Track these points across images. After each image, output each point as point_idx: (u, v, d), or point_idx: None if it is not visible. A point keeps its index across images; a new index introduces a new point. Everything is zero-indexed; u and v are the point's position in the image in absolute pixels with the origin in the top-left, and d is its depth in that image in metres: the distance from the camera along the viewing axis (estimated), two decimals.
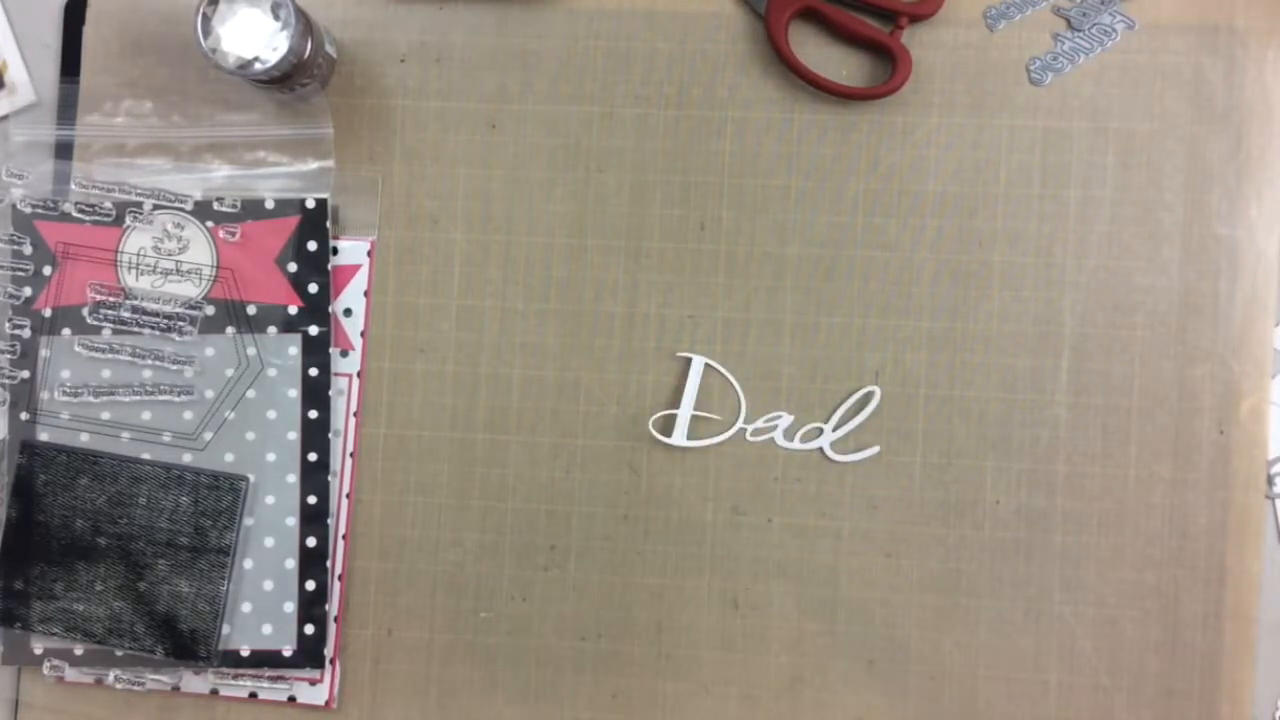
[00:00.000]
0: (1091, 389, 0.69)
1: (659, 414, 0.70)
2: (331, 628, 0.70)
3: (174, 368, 0.69)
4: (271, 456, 0.69)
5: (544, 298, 0.70)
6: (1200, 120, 0.69)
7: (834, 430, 0.69)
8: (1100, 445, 0.69)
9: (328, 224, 0.69)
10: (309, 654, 0.69)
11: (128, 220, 0.69)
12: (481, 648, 0.70)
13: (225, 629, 0.69)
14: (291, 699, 0.70)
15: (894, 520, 0.69)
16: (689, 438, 0.69)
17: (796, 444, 0.70)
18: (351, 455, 0.70)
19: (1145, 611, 0.69)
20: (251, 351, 0.69)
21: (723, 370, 0.70)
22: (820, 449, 0.70)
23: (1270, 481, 0.69)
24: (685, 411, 0.69)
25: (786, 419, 0.70)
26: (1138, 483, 0.69)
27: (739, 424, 0.70)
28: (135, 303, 0.69)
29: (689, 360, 0.69)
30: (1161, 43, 0.69)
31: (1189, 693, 0.68)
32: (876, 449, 0.69)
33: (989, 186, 0.69)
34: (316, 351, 0.70)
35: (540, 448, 0.70)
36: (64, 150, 0.70)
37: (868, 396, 0.69)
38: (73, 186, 0.70)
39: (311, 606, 0.69)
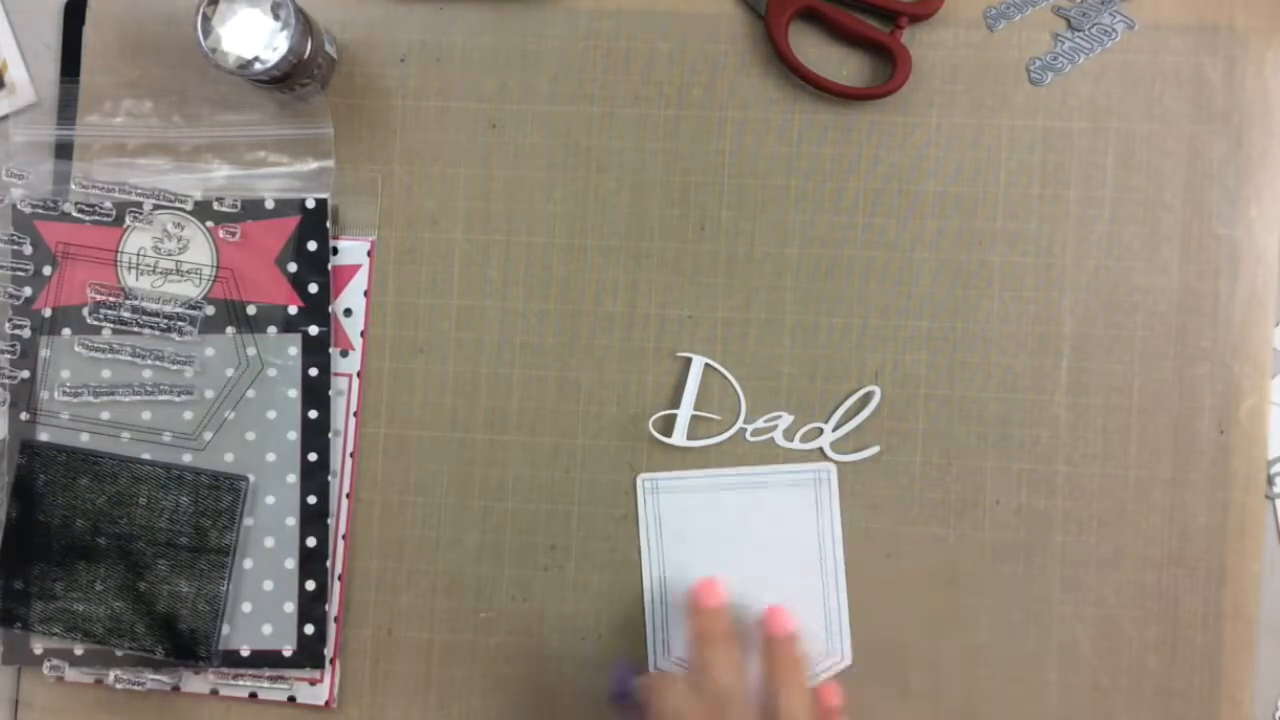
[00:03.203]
0: (1091, 389, 0.69)
1: (659, 414, 0.70)
2: (331, 628, 0.70)
3: (174, 368, 0.69)
4: (271, 456, 0.69)
5: (544, 298, 0.70)
6: (1200, 120, 0.69)
7: (834, 430, 0.69)
8: (1100, 445, 0.69)
9: (328, 224, 0.69)
10: (309, 654, 0.69)
11: (128, 220, 0.69)
12: (481, 648, 0.70)
13: (225, 629, 0.69)
14: (291, 699, 0.70)
15: (894, 520, 0.69)
16: (689, 438, 0.69)
17: (796, 444, 0.70)
18: (351, 455, 0.70)
19: (1145, 611, 0.69)
20: (251, 351, 0.69)
21: (723, 370, 0.70)
22: (820, 449, 0.70)
23: (1270, 481, 0.69)
24: (685, 411, 0.69)
25: (786, 419, 0.70)
26: (1138, 483, 0.69)
27: (739, 424, 0.70)
28: (135, 303, 0.69)
29: (689, 360, 0.69)
30: (1161, 43, 0.69)
31: (1189, 693, 0.68)
32: (876, 449, 0.69)
33: (989, 186, 0.69)
34: (316, 351, 0.70)
35: (540, 448, 0.70)
36: (64, 150, 0.70)
37: (868, 396, 0.69)
38: (73, 186, 0.70)
39: (311, 606, 0.69)
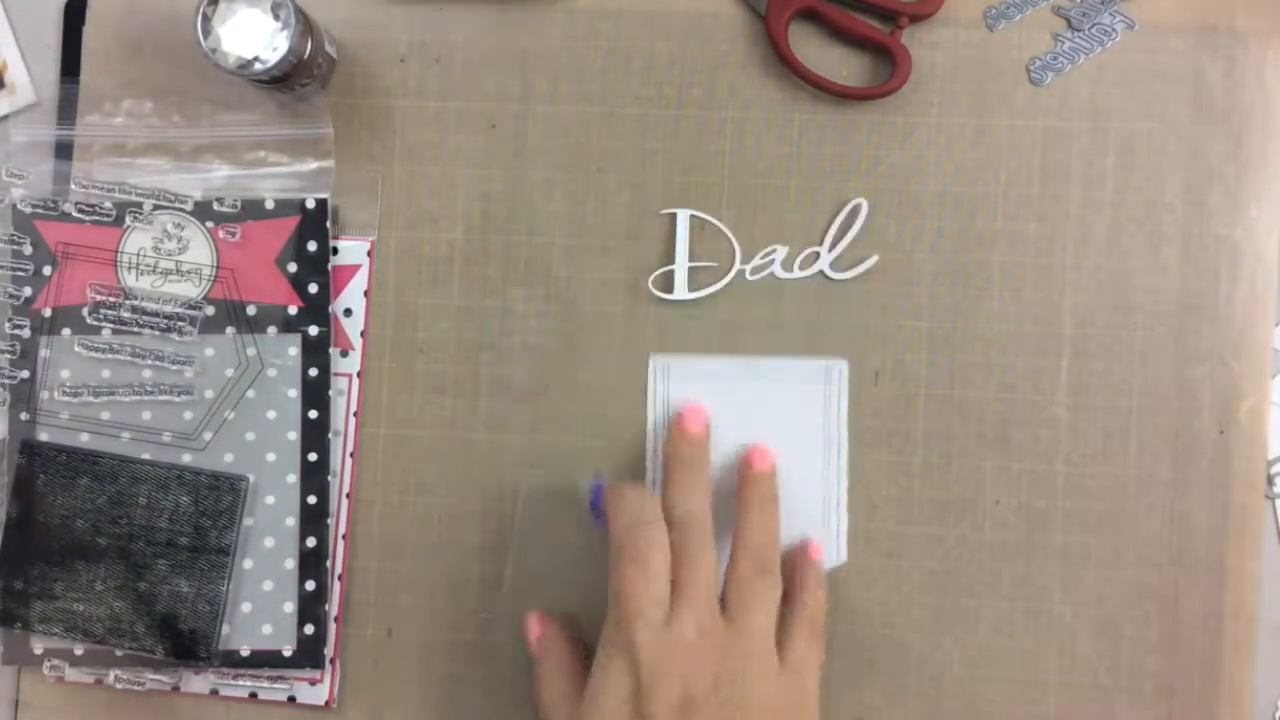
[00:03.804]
0: (1091, 389, 0.69)
1: (657, 272, 0.70)
2: (331, 628, 0.70)
3: (174, 368, 0.69)
4: (271, 457, 0.69)
5: (544, 298, 0.70)
6: (1200, 120, 0.69)
7: (830, 250, 0.69)
8: (1100, 445, 0.69)
9: (328, 224, 0.69)
10: (309, 654, 0.69)
11: (128, 220, 0.69)
12: (482, 648, 0.70)
13: (225, 629, 0.69)
14: (291, 699, 0.70)
15: (894, 520, 0.69)
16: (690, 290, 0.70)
17: (796, 273, 0.69)
18: (351, 455, 0.70)
19: (1145, 611, 0.69)
20: (251, 352, 0.69)
21: (708, 218, 0.70)
22: (821, 272, 0.69)
23: (1270, 481, 0.69)
24: (681, 264, 0.69)
25: (782, 250, 0.69)
26: (1138, 483, 0.69)
27: (736, 266, 0.70)
28: (135, 303, 0.69)
29: (674, 217, 0.70)
30: (1161, 43, 0.69)
31: (1189, 693, 0.68)
32: (875, 258, 0.69)
33: (989, 186, 0.69)
34: (316, 352, 0.70)
35: (540, 447, 0.70)
36: (64, 150, 0.70)
37: (856, 209, 0.69)
38: (73, 186, 0.70)
39: (311, 607, 0.69)
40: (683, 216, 0.69)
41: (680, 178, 0.70)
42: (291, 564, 0.69)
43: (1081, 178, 0.69)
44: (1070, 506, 0.69)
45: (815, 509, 0.69)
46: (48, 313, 0.69)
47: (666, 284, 0.69)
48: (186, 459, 0.69)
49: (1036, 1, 0.69)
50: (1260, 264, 0.69)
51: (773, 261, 0.70)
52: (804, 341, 0.69)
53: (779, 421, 0.69)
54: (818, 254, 0.69)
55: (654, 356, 0.70)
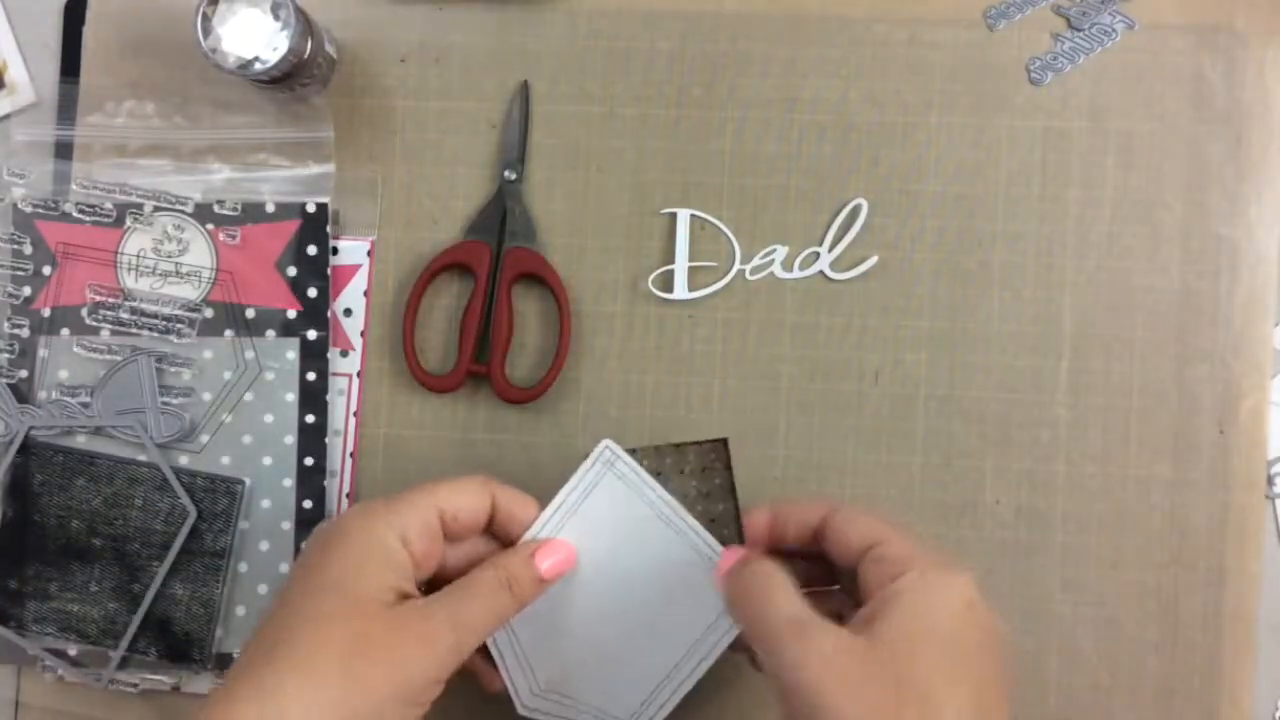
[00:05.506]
0: (1091, 389, 0.69)
1: (657, 271, 0.70)
2: None
3: (172, 370, 0.69)
4: (268, 460, 0.69)
5: (544, 298, 0.70)
6: (1200, 120, 0.69)
7: (829, 251, 0.69)
8: (1100, 445, 0.69)
9: (328, 228, 0.69)
10: None
11: (128, 221, 0.69)
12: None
13: (219, 632, 0.69)
14: None
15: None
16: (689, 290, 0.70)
17: (796, 273, 0.69)
18: (351, 455, 0.70)
19: (1145, 611, 0.69)
20: (250, 355, 0.69)
21: (709, 218, 0.70)
22: (821, 273, 0.69)
23: (1270, 481, 0.69)
24: (681, 264, 0.69)
25: (782, 250, 0.70)
26: (1138, 483, 0.69)
27: (736, 266, 0.70)
28: (134, 304, 0.69)
29: (674, 216, 0.70)
30: (1161, 43, 0.69)
31: (1189, 693, 0.68)
32: (875, 259, 0.69)
33: (989, 186, 0.69)
34: (315, 356, 0.69)
35: (540, 448, 0.70)
36: (64, 150, 0.70)
37: (856, 210, 0.69)
38: (73, 187, 0.69)
39: None
40: (683, 216, 0.69)
41: (680, 178, 0.70)
42: (285, 568, 0.69)
43: (1081, 178, 0.69)
44: (1070, 506, 0.69)
45: (663, 667, 0.61)
46: (47, 312, 0.69)
47: (666, 284, 0.69)
48: (184, 461, 0.69)
49: (1036, 1, 0.69)
50: (1260, 264, 0.69)
51: (773, 261, 0.70)
52: (804, 341, 0.69)
53: (660, 576, 0.61)
54: (818, 254, 0.69)
55: (607, 443, 0.62)
